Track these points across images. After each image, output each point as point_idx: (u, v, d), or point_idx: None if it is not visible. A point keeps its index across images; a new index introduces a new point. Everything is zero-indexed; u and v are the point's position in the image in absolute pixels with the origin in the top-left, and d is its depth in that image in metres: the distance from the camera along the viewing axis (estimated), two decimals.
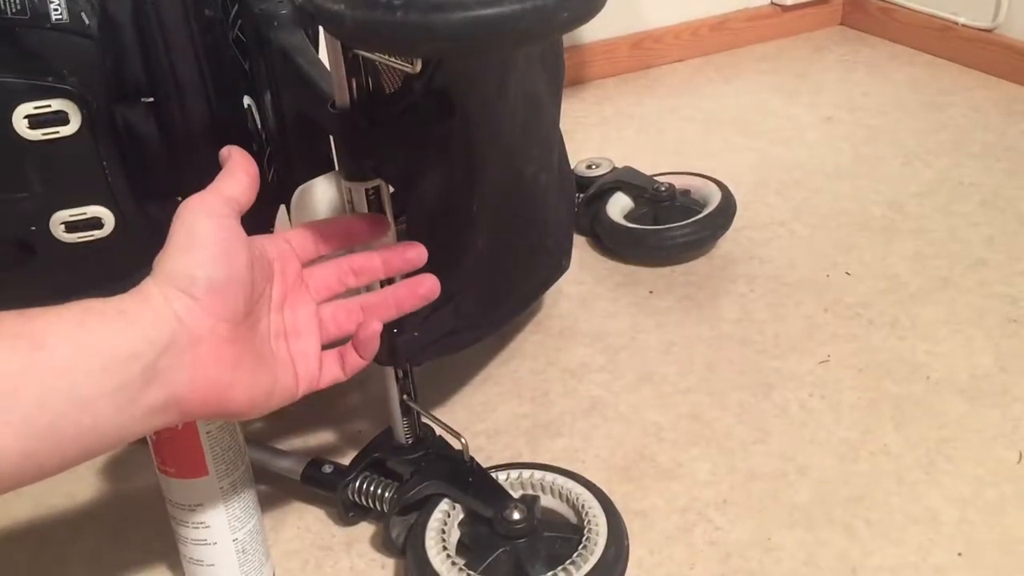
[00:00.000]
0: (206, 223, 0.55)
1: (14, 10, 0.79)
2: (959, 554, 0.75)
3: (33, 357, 0.46)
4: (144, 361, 0.49)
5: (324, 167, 0.74)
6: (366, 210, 0.69)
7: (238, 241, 0.55)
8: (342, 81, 0.64)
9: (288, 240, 0.64)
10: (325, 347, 0.63)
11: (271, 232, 0.96)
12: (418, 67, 0.59)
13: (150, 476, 0.72)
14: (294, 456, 0.84)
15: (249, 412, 0.57)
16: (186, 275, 0.53)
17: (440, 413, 0.93)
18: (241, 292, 0.55)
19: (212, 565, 0.72)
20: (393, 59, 0.58)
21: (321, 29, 0.65)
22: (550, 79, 0.92)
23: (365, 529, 0.81)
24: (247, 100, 0.91)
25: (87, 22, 0.81)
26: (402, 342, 0.75)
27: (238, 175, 0.59)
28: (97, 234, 0.87)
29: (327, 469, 0.81)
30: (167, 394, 0.51)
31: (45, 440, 0.46)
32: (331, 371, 0.64)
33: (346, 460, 0.82)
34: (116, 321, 0.50)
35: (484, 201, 0.78)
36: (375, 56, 0.61)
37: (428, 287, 0.65)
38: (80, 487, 0.87)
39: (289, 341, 0.61)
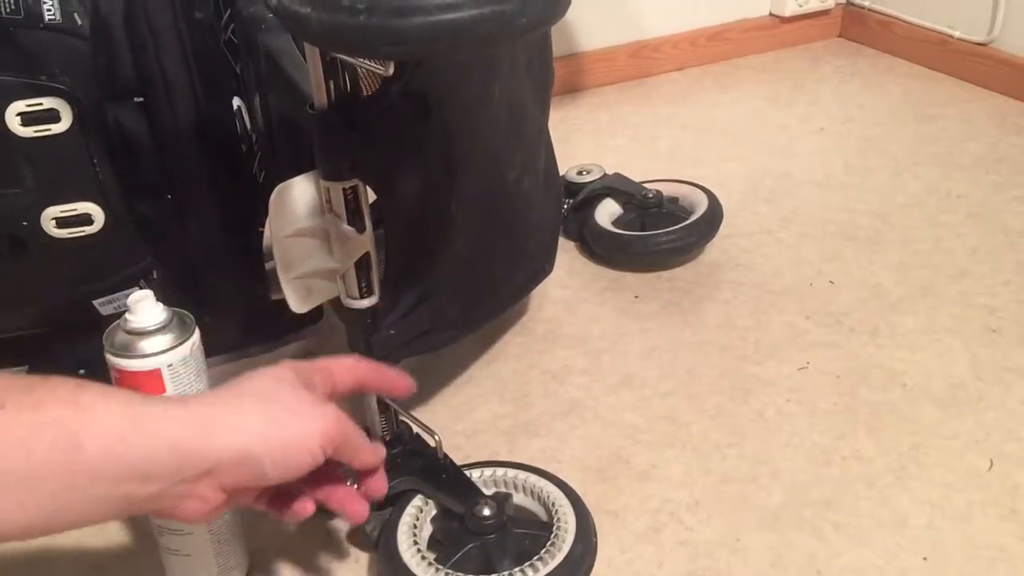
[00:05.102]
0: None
1: (8, 10, 0.81)
2: (924, 559, 0.76)
3: (67, 455, 0.48)
4: (162, 482, 0.52)
5: (309, 168, 0.76)
6: (343, 209, 0.70)
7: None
8: (320, 83, 0.66)
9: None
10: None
11: (260, 231, 0.99)
12: (391, 70, 0.61)
13: None
14: None
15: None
16: (245, 452, 0.54)
17: (422, 412, 0.94)
18: None
19: (188, 555, 0.73)
20: (365, 61, 0.60)
21: None
22: (537, 86, 0.93)
23: (342, 523, 0.82)
24: (237, 102, 0.93)
25: (79, 22, 0.83)
26: (378, 340, 0.77)
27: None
28: (87, 230, 0.88)
29: None
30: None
31: (46, 522, 0.49)
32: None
33: None
34: (158, 446, 0.51)
35: (463, 204, 0.80)
36: (350, 58, 0.62)
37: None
38: None
39: None
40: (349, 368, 0.66)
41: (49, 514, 0.48)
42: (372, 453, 0.65)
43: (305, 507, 0.63)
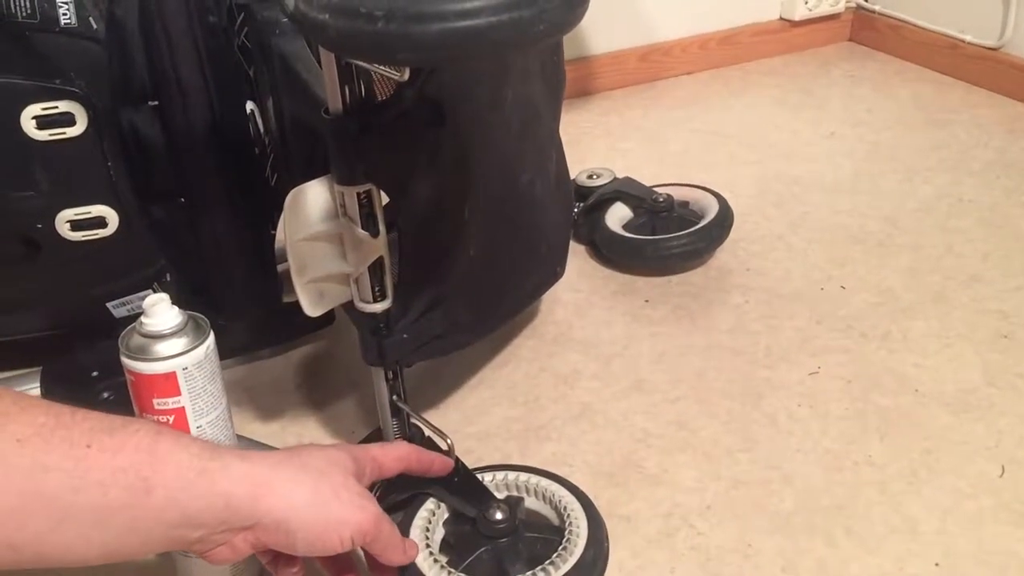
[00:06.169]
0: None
1: (24, 14, 0.81)
2: (936, 564, 0.76)
3: (137, 499, 0.52)
4: (208, 530, 0.56)
5: (322, 171, 0.76)
6: (357, 213, 0.71)
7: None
8: (335, 87, 0.66)
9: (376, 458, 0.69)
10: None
11: (273, 234, 0.99)
12: (406, 75, 0.61)
13: None
14: None
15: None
16: (284, 521, 0.58)
17: (433, 415, 0.95)
18: None
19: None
20: (380, 67, 0.60)
21: None
22: (549, 89, 0.93)
23: None
24: (250, 105, 0.93)
25: (95, 26, 0.83)
26: (391, 343, 0.77)
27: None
28: (101, 233, 0.89)
29: None
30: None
31: (104, 556, 0.53)
32: None
33: None
34: (216, 500, 0.55)
35: (476, 208, 0.80)
36: (364, 64, 0.63)
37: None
38: None
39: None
40: (397, 458, 0.71)
41: (110, 549, 0.52)
42: (401, 554, 0.67)
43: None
